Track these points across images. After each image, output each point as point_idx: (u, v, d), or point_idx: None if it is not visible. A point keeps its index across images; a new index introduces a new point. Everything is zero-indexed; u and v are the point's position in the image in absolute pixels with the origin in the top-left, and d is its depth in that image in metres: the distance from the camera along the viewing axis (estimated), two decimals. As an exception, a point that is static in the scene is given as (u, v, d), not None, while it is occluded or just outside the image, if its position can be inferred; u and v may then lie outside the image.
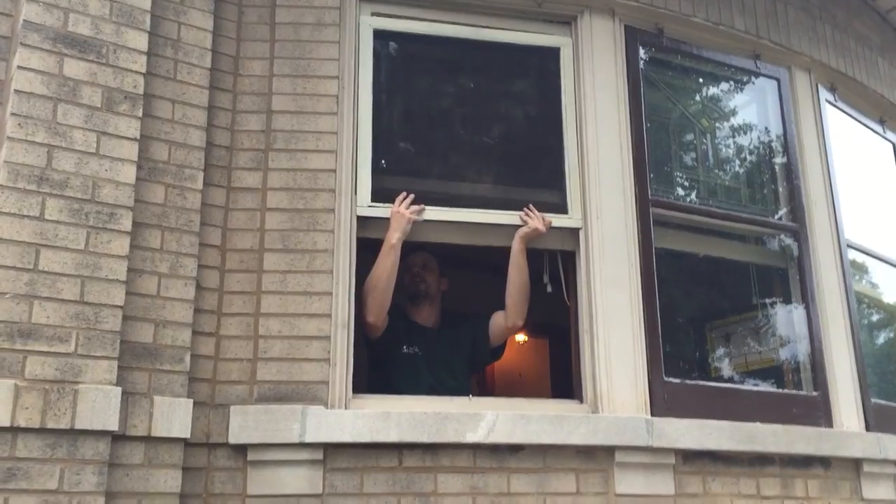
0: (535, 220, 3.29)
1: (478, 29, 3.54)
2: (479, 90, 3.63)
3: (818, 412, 3.59)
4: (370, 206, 3.17)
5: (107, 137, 2.67)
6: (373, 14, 3.43)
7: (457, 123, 3.57)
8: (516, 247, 3.33)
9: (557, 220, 3.34)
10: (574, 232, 3.37)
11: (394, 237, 3.17)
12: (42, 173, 2.55)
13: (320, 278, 3.00)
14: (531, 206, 3.32)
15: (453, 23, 3.52)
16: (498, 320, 3.49)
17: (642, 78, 3.66)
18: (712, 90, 4.13)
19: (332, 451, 2.84)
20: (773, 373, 3.88)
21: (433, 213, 3.25)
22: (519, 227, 3.31)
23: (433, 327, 3.64)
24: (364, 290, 3.21)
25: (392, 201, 3.19)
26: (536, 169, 3.53)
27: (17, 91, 2.57)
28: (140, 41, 2.79)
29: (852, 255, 4.15)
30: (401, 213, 3.17)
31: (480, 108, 3.58)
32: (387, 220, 3.18)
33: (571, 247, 3.40)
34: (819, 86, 4.19)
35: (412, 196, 3.21)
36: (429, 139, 3.53)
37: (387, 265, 3.20)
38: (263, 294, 2.96)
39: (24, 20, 2.63)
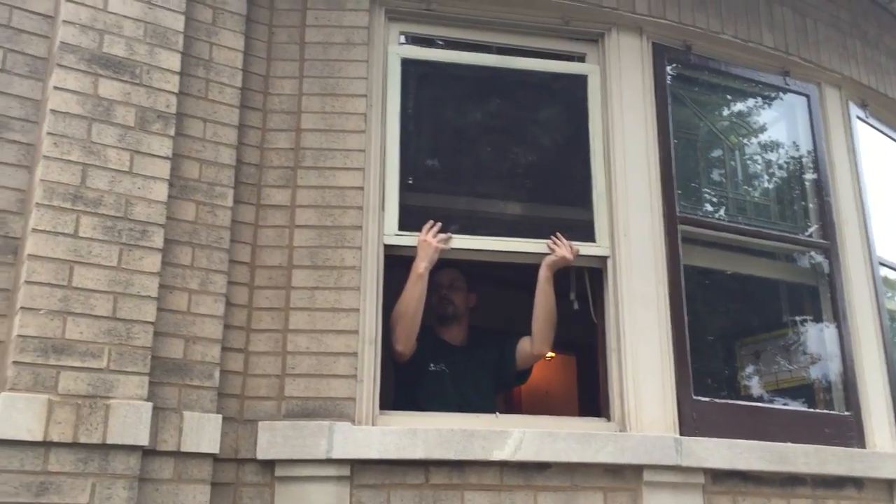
0: (563, 249, 3.28)
1: (504, 57, 3.57)
2: (507, 116, 3.63)
3: (850, 432, 3.53)
4: (397, 235, 3.19)
5: (140, 156, 2.71)
6: (401, 33, 3.46)
7: (485, 149, 3.59)
8: (543, 274, 3.33)
9: (585, 248, 3.34)
10: (602, 258, 3.37)
11: (421, 266, 3.18)
12: (76, 191, 2.60)
13: (348, 295, 3.01)
14: (559, 234, 3.31)
15: (481, 42, 3.55)
16: (524, 346, 3.50)
17: (670, 95, 3.66)
18: (741, 107, 4.11)
19: (359, 468, 2.85)
20: (804, 392, 3.83)
21: (460, 241, 3.26)
22: (546, 254, 3.30)
23: (460, 345, 3.64)
24: (392, 318, 3.23)
25: (419, 229, 3.21)
26: (564, 192, 3.54)
27: (52, 111, 2.62)
28: (173, 61, 2.84)
29: (884, 272, 4.09)
30: (428, 243, 3.18)
31: (508, 134, 3.59)
32: (414, 246, 3.20)
33: (598, 264, 3.39)
34: (850, 102, 4.16)
35: (439, 224, 3.22)
36: (456, 163, 3.55)
37: (414, 294, 3.21)
38: (292, 310, 2.98)
39: (60, 41, 2.69)
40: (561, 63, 3.62)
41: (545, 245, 3.31)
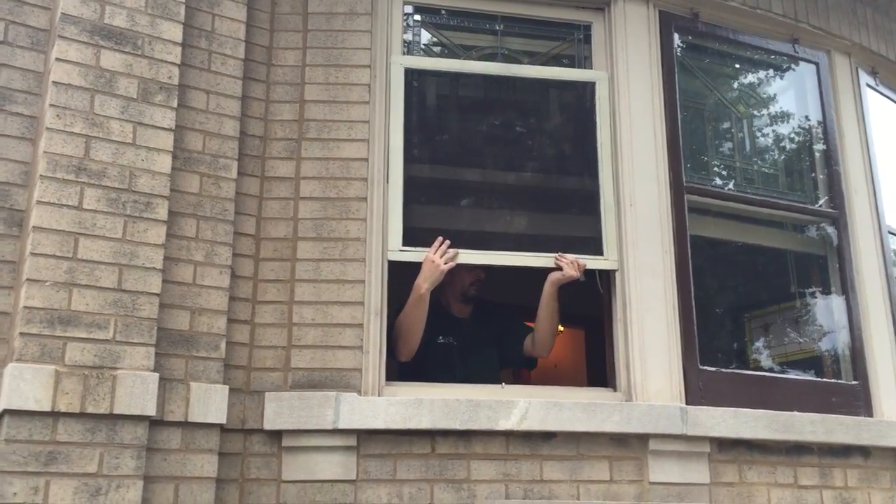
0: (570, 268, 3.23)
1: (507, 65, 3.53)
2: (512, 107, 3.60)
3: (858, 401, 3.52)
4: (401, 251, 3.13)
5: (143, 128, 2.71)
6: (405, 2, 3.43)
7: (490, 145, 3.54)
8: (548, 290, 3.34)
9: (593, 263, 3.29)
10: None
11: (423, 287, 3.15)
12: (80, 163, 2.60)
13: (353, 266, 3.02)
14: (562, 255, 3.25)
15: (485, 11, 3.53)
16: (527, 344, 3.57)
17: (677, 64, 3.62)
18: (749, 75, 4.06)
19: (366, 438, 2.86)
20: (812, 362, 3.82)
21: (466, 256, 3.22)
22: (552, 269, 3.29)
23: (467, 317, 3.65)
24: (395, 332, 3.21)
25: (423, 244, 3.16)
26: (568, 163, 3.51)
27: (55, 83, 2.62)
28: (175, 32, 2.82)
29: (894, 242, 4.06)
30: (435, 265, 3.13)
31: (511, 135, 3.55)
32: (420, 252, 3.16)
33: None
34: (859, 70, 4.11)
35: (447, 242, 3.17)
36: (463, 136, 3.53)
37: (416, 314, 3.20)
38: (297, 282, 2.98)
39: (61, 13, 2.67)
40: (573, 71, 3.58)
41: (552, 260, 3.27)
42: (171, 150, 2.74)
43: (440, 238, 3.17)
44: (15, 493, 2.30)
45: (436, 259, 3.13)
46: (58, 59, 2.64)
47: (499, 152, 3.50)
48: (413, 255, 3.15)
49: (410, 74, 3.34)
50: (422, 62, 3.46)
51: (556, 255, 3.27)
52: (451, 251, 3.16)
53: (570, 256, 3.25)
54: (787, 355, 3.91)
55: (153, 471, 2.53)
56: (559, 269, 3.26)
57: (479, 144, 3.54)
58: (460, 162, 3.50)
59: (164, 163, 2.72)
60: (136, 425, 2.49)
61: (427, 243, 3.17)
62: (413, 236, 3.18)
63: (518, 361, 3.76)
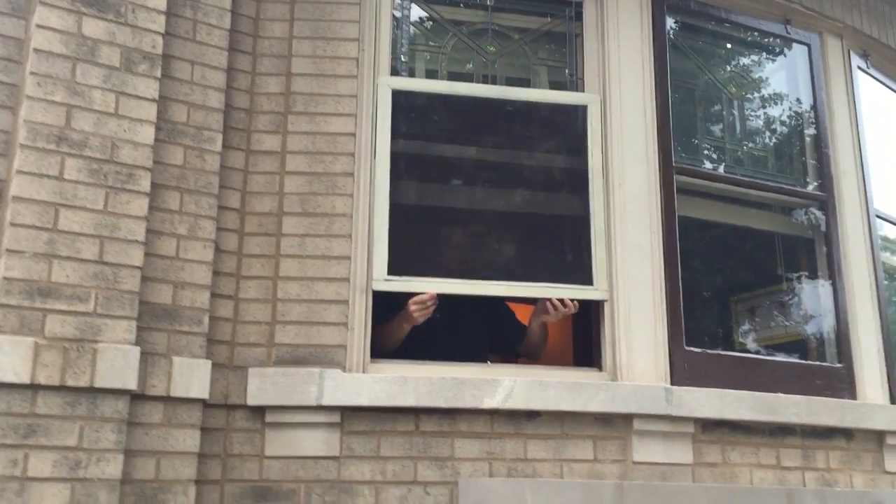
0: (556, 315, 3.24)
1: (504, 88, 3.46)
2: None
3: (842, 384, 3.54)
4: (386, 280, 3.05)
5: (125, 98, 2.66)
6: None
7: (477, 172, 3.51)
8: (535, 325, 3.38)
9: (583, 293, 3.24)
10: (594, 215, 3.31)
11: (404, 328, 3.18)
12: (61, 133, 2.55)
13: (339, 242, 2.99)
14: (554, 300, 3.21)
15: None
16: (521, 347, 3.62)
17: (669, 44, 3.59)
18: (741, 56, 4.04)
19: (350, 415, 2.85)
20: (797, 345, 3.83)
21: (452, 286, 3.16)
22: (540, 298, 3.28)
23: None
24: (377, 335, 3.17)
25: (407, 273, 3.10)
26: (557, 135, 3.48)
27: (35, 50, 2.56)
28: (159, 1, 2.77)
29: (882, 226, 4.06)
30: (415, 317, 3.11)
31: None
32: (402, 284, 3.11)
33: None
34: (851, 52, 4.09)
35: (434, 296, 3.12)
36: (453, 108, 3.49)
37: (397, 338, 3.22)
38: (282, 257, 2.95)
39: (43, -21, 2.61)
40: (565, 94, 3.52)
41: (542, 290, 3.24)
42: (155, 121, 2.69)
43: (427, 294, 3.11)
44: (-7, 466, 2.27)
45: (415, 314, 3.11)
46: (38, 26, 2.58)
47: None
48: (398, 284, 3.08)
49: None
50: (410, 83, 3.37)
51: (548, 298, 3.22)
52: (432, 302, 3.11)
53: (563, 296, 3.21)
54: (772, 338, 3.91)
55: (134, 445, 2.51)
56: (546, 304, 3.24)
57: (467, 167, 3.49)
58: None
59: (147, 134, 2.67)
60: (116, 399, 2.46)
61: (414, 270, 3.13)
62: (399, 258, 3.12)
63: (507, 351, 3.75)
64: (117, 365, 2.46)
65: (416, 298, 3.11)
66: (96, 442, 2.41)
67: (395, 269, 3.12)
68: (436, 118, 3.48)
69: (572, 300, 3.22)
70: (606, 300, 3.23)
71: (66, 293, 2.46)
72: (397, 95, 3.24)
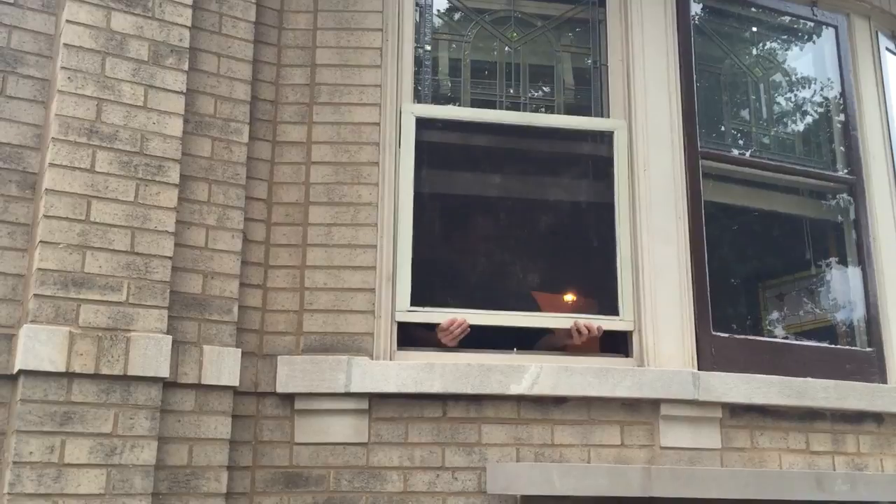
0: (578, 339, 3.16)
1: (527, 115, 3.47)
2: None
3: (872, 368, 3.51)
4: (409, 311, 3.04)
5: (154, 91, 2.70)
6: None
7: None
8: (558, 343, 3.28)
9: (608, 325, 3.21)
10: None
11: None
12: (92, 126, 2.60)
13: (365, 231, 3.01)
14: (580, 325, 3.16)
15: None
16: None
17: (693, 28, 3.56)
18: (767, 39, 4.00)
19: (378, 402, 2.88)
20: (826, 329, 3.80)
21: (477, 317, 3.12)
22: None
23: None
24: None
25: (432, 304, 3.09)
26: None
27: (66, 45, 2.61)
28: (185, -5, 2.81)
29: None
30: (444, 343, 3.07)
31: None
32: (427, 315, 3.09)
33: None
34: (879, 33, 4.03)
35: (465, 323, 3.08)
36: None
37: None
38: (309, 247, 2.99)
39: (71, -25, 2.66)
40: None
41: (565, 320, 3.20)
42: (183, 113, 2.74)
43: (454, 320, 3.07)
44: (31, 452, 2.33)
45: (445, 339, 3.07)
46: (68, 21, 2.63)
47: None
48: (421, 316, 3.07)
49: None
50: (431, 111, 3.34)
51: (573, 322, 3.16)
52: (462, 327, 3.06)
53: (588, 323, 3.17)
54: (801, 323, 3.89)
55: (167, 432, 2.56)
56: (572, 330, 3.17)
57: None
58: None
59: (176, 126, 2.72)
60: (149, 387, 2.51)
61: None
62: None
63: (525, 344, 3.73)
64: (150, 353, 2.50)
65: (441, 327, 3.09)
66: (130, 429, 2.46)
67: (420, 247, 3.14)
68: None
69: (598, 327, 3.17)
70: (632, 330, 3.19)
71: (99, 283, 2.51)
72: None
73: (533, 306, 3.44)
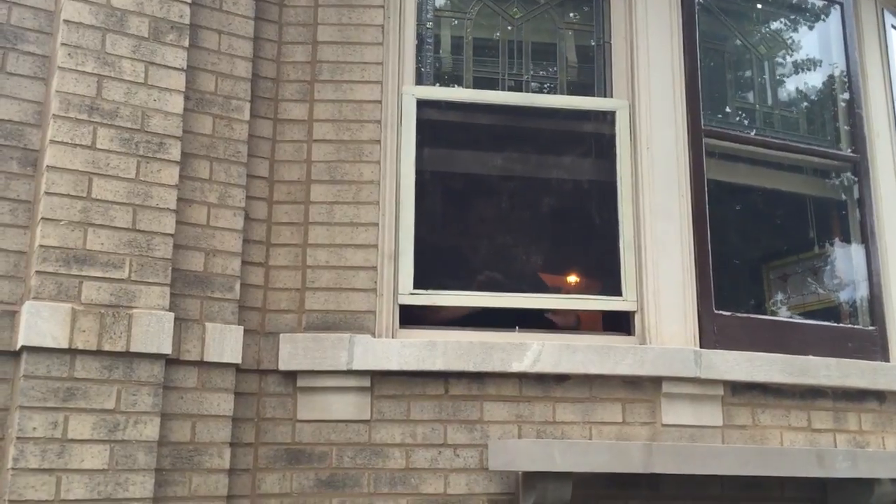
0: None
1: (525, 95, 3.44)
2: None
3: (874, 346, 3.50)
4: (412, 294, 3.04)
5: (154, 67, 2.70)
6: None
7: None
8: None
9: (611, 306, 3.23)
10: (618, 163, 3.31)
11: None
12: (92, 103, 2.59)
13: (367, 209, 3.01)
14: None
15: None
16: None
17: (697, 4, 3.54)
18: (772, 16, 3.97)
19: (380, 379, 2.89)
20: (829, 308, 3.79)
21: (480, 299, 3.15)
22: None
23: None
24: None
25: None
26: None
27: (66, 21, 2.60)
28: (185, -29, 2.79)
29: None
30: None
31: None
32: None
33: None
34: (885, 11, 4.00)
35: None
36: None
37: None
38: (311, 225, 2.98)
39: (71, -49, 2.64)
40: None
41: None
42: (184, 90, 2.73)
43: None
44: (34, 428, 2.34)
45: None
46: (68, -2, 2.62)
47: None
48: (425, 298, 3.07)
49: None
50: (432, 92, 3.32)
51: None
52: None
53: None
54: (804, 302, 3.88)
55: (170, 408, 2.57)
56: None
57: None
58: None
59: (177, 103, 2.71)
60: (152, 363, 2.52)
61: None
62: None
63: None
64: (152, 330, 2.51)
65: None
66: (133, 405, 2.47)
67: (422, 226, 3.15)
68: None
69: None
70: (635, 311, 3.20)
71: (101, 260, 2.52)
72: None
73: (542, 287, 3.44)
